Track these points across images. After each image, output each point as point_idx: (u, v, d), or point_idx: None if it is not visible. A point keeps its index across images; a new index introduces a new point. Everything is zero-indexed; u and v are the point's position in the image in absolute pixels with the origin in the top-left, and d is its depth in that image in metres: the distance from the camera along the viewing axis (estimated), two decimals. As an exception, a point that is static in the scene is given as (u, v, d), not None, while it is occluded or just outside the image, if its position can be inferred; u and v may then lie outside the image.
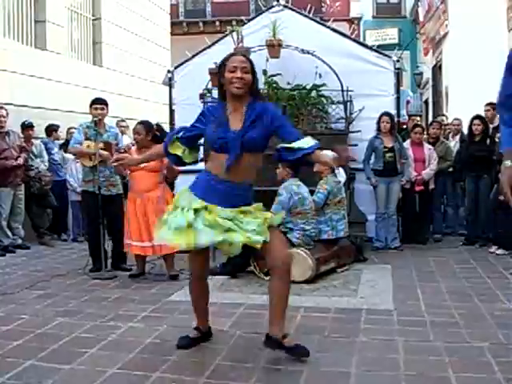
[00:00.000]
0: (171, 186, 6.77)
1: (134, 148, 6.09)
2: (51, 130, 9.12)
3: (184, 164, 3.86)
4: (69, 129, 8.96)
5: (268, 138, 3.58)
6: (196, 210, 3.45)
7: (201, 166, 7.26)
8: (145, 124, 6.09)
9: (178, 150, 3.76)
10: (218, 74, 3.62)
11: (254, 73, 3.56)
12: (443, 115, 12.28)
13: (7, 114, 7.85)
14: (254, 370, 3.42)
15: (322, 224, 6.46)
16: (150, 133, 6.02)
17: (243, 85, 3.48)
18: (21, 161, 7.76)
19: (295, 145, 3.50)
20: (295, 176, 6.15)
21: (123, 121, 10.03)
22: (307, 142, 3.52)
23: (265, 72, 7.39)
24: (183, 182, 7.79)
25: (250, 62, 3.59)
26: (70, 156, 8.41)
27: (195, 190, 3.58)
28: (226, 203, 3.49)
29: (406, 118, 11.69)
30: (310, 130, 7.47)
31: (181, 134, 3.76)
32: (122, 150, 6.06)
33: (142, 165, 5.93)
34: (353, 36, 8.74)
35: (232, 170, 3.47)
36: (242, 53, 3.85)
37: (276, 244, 3.53)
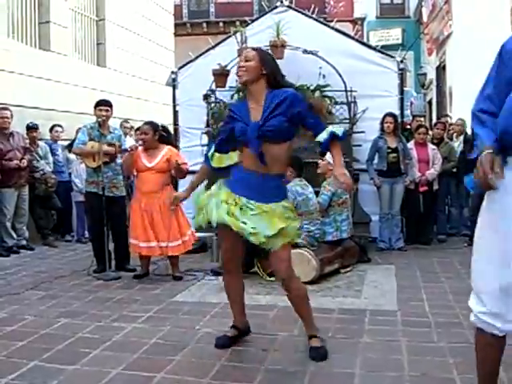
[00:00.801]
0: (175, 186, 6.79)
1: (140, 148, 6.10)
2: (50, 129, 9.12)
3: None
4: (78, 129, 8.95)
5: (293, 125, 3.54)
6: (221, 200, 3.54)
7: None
8: (151, 124, 6.11)
9: (220, 162, 3.78)
10: None
11: (262, 60, 3.56)
12: (447, 115, 12.25)
13: (11, 115, 7.86)
14: (257, 370, 3.42)
15: (327, 225, 6.45)
16: (156, 133, 6.04)
17: (243, 72, 3.52)
18: (24, 162, 7.77)
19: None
20: (299, 176, 6.16)
21: (127, 122, 10.04)
22: (324, 135, 3.52)
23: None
24: (187, 183, 7.86)
25: (259, 52, 3.63)
26: (74, 157, 8.42)
27: (227, 183, 3.63)
28: (253, 195, 3.51)
29: (410, 118, 11.66)
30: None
31: (214, 147, 3.80)
32: (130, 149, 6.06)
33: (150, 165, 5.97)
34: (356, 36, 8.73)
35: (259, 160, 3.49)
36: (249, 47, 3.88)
37: (278, 256, 3.59)
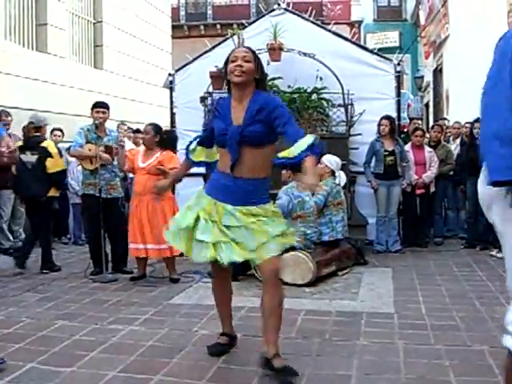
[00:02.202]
0: (172, 189, 6.78)
1: (141, 148, 6.10)
2: (50, 132, 9.09)
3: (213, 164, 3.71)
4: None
5: (273, 131, 3.39)
6: (200, 214, 3.42)
7: (202, 169, 7.27)
8: (154, 125, 6.14)
9: (201, 155, 3.74)
10: (224, 69, 3.55)
11: (258, 64, 3.48)
12: (445, 119, 12.27)
13: (11, 119, 7.88)
14: (254, 373, 3.41)
15: (323, 226, 6.46)
16: (157, 135, 6.05)
17: (242, 72, 3.39)
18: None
19: (293, 151, 3.29)
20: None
21: (124, 124, 10.04)
22: (302, 146, 3.25)
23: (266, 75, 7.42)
24: (185, 185, 7.87)
25: (254, 53, 3.51)
26: (72, 159, 8.41)
27: (207, 189, 3.54)
28: (234, 201, 3.37)
29: (408, 121, 11.69)
30: (310, 133, 7.51)
31: (197, 140, 3.74)
32: (122, 143, 6.05)
33: (142, 165, 5.98)
34: (354, 39, 8.74)
35: (237, 165, 3.39)
36: (245, 46, 3.77)
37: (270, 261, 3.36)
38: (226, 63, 3.53)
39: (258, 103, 3.41)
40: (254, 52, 3.55)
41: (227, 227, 3.36)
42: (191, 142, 3.79)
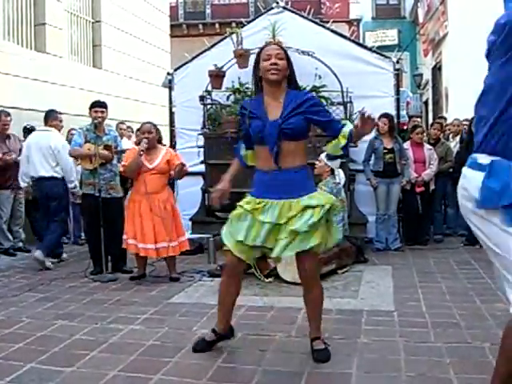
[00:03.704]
0: (171, 186, 6.80)
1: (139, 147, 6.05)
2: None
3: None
4: (70, 130, 8.89)
5: (308, 126, 3.57)
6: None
7: (201, 167, 7.25)
8: (152, 124, 6.11)
9: (252, 160, 3.77)
10: (254, 67, 3.62)
11: (289, 61, 3.56)
12: (442, 117, 12.26)
13: (11, 119, 7.86)
14: (254, 371, 3.41)
15: (323, 226, 6.44)
16: (157, 132, 6.07)
17: (278, 71, 3.47)
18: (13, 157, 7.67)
19: (340, 144, 3.53)
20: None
21: (123, 123, 10.02)
22: (346, 133, 3.48)
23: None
24: (185, 185, 7.88)
25: (284, 50, 3.60)
26: (70, 159, 8.38)
27: (252, 192, 3.62)
28: (275, 193, 3.49)
29: (407, 118, 11.67)
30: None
31: (244, 145, 3.80)
32: (139, 154, 5.89)
33: (151, 166, 5.92)
34: (352, 37, 8.72)
35: (279, 158, 3.49)
36: (276, 42, 3.83)
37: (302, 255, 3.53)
38: (258, 62, 3.58)
39: (295, 99, 3.51)
40: (283, 48, 3.64)
41: (263, 223, 3.48)
42: (238, 148, 3.84)
